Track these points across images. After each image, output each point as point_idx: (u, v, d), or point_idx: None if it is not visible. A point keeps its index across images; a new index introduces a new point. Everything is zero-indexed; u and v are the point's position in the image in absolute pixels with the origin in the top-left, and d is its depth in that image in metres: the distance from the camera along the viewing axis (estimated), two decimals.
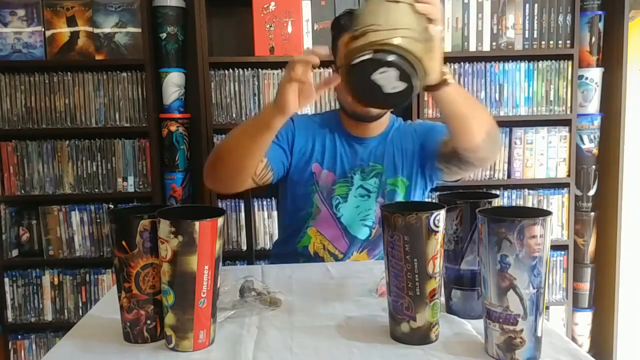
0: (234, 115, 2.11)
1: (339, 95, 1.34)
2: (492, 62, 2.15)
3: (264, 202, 2.13)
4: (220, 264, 0.74)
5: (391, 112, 1.39)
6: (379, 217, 1.27)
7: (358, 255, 1.32)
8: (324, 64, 1.33)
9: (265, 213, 2.15)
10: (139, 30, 2.09)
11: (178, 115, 2.14)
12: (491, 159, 1.29)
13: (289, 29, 2.06)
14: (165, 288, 0.71)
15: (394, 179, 1.31)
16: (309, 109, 2.06)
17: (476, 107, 1.08)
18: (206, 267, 0.70)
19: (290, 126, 1.31)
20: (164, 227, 0.69)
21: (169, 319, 0.71)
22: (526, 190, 2.21)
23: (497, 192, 2.10)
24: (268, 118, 0.98)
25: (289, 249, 1.34)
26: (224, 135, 2.04)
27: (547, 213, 0.66)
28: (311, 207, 1.30)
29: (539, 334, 0.67)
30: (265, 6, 2.05)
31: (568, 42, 2.13)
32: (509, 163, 2.20)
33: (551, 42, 2.14)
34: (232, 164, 1.09)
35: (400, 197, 1.30)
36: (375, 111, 1.25)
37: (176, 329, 0.71)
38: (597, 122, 2.20)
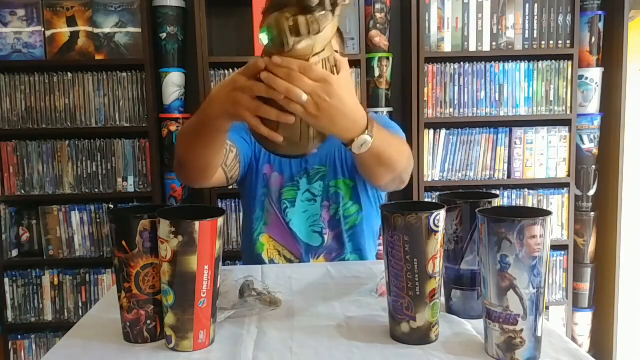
0: None
1: None
2: (492, 62, 2.14)
3: None
4: (220, 264, 0.74)
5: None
6: (328, 221, 1.27)
7: (315, 261, 1.28)
8: None
9: None
10: (139, 30, 2.09)
11: (178, 115, 2.14)
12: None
13: None
14: (165, 288, 0.71)
15: (335, 181, 1.27)
16: None
17: (390, 158, 0.95)
18: (206, 267, 0.70)
19: None
20: (164, 227, 0.69)
21: (169, 319, 0.71)
22: (526, 190, 2.21)
23: (497, 192, 2.10)
24: (218, 123, 0.86)
25: (248, 254, 1.32)
26: None
27: (547, 213, 0.66)
28: (262, 211, 1.28)
29: (539, 334, 0.67)
30: None
31: (568, 42, 2.13)
32: (509, 163, 2.20)
33: (551, 42, 2.13)
34: (195, 168, 1.04)
35: (345, 199, 1.26)
36: None
37: (176, 329, 0.71)
38: (597, 122, 2.20)
